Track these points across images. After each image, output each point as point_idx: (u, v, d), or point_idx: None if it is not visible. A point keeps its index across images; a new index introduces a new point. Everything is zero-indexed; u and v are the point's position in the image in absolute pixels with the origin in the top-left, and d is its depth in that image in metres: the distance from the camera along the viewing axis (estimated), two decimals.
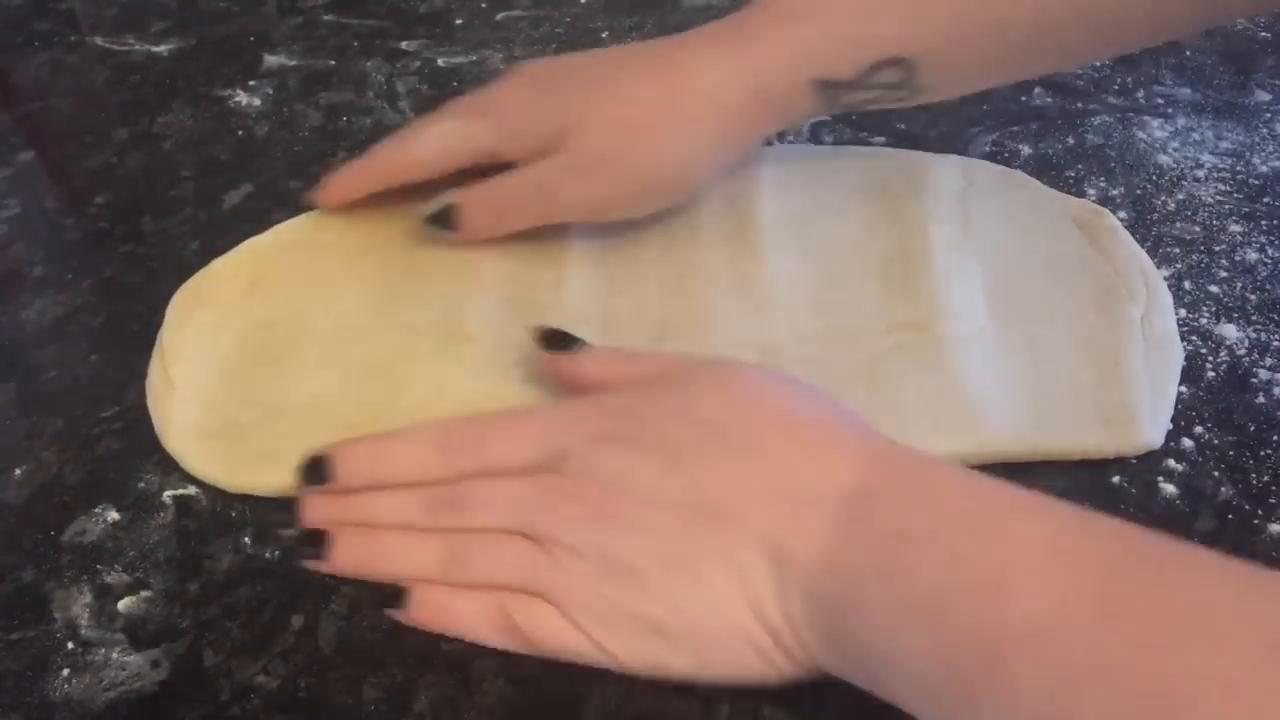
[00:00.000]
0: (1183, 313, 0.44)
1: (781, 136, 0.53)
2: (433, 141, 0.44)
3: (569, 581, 0.32)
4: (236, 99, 0.60)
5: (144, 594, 0.36)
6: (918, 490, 0.30)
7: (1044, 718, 0.24)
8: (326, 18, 0.67)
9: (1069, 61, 0.49)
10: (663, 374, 0.35)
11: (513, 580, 0.33)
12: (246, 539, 0.38)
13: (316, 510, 0.36)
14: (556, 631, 0.32)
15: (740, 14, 0.41)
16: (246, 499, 0.39)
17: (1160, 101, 0.56)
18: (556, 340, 0.38)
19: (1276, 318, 0.43)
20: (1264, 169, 0.51)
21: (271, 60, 0.63)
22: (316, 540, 0.35)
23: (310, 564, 0.35)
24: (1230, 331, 0.43)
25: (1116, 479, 0.38)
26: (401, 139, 0.46)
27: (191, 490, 0.39)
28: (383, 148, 0.46)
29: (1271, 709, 0.21)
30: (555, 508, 0.33)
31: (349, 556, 0.35)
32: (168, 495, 0.39)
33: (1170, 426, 0.39)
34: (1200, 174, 0.51)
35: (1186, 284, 0.45)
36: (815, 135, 0.54)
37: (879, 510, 0.29)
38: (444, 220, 0.44)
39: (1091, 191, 0.50)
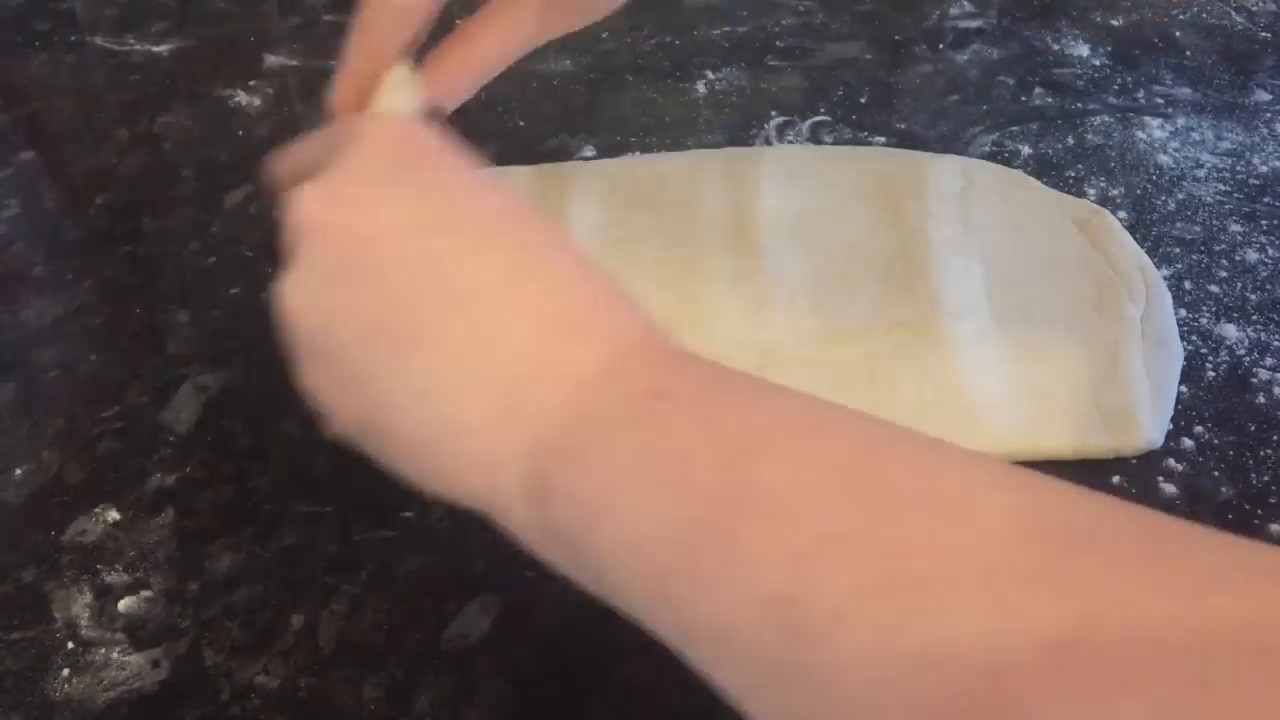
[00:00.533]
0: (1183, 313, 0.44)
1: (781, 136, 0.54)
2: None
3: (304, 298, 0.31)
4: (237, 99, 0.60)
5: (144, 594, 0.36)
6: (693, 362, 0.26)
7: (775, 591, 0.21)
8: (327, 18, 0.67)
9: None
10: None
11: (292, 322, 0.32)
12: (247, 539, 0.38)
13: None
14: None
15: None
16: (245, 501, 0.39)
17: (1160, 101, 0.56)
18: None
19: (1277, 318, 0.43)
20: (1264, 169, 0.51)
21: (272, 60, 0.63)
22: None
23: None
24: (1230, 331, 0.43)
25: (1116, 479, 0.38)
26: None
27: (191, 490, 0.39)
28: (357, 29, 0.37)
29: (1014, 591, 0.18)
30: (304, 223, 0.31)
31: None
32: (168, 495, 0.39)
33: (1170, 426, 0.39)
34: (1200, 174, 0.51)
35: (1186, 284, 0.45)
36: (815, 135, 0.54)
37: (649, 366, 0.26)
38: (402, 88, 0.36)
39: (1091, 191, 0.50)
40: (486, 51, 0.39)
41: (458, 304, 0.27)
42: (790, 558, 0.21)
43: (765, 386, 0.25)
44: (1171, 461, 0.39)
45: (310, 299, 0.30)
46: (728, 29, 0.65)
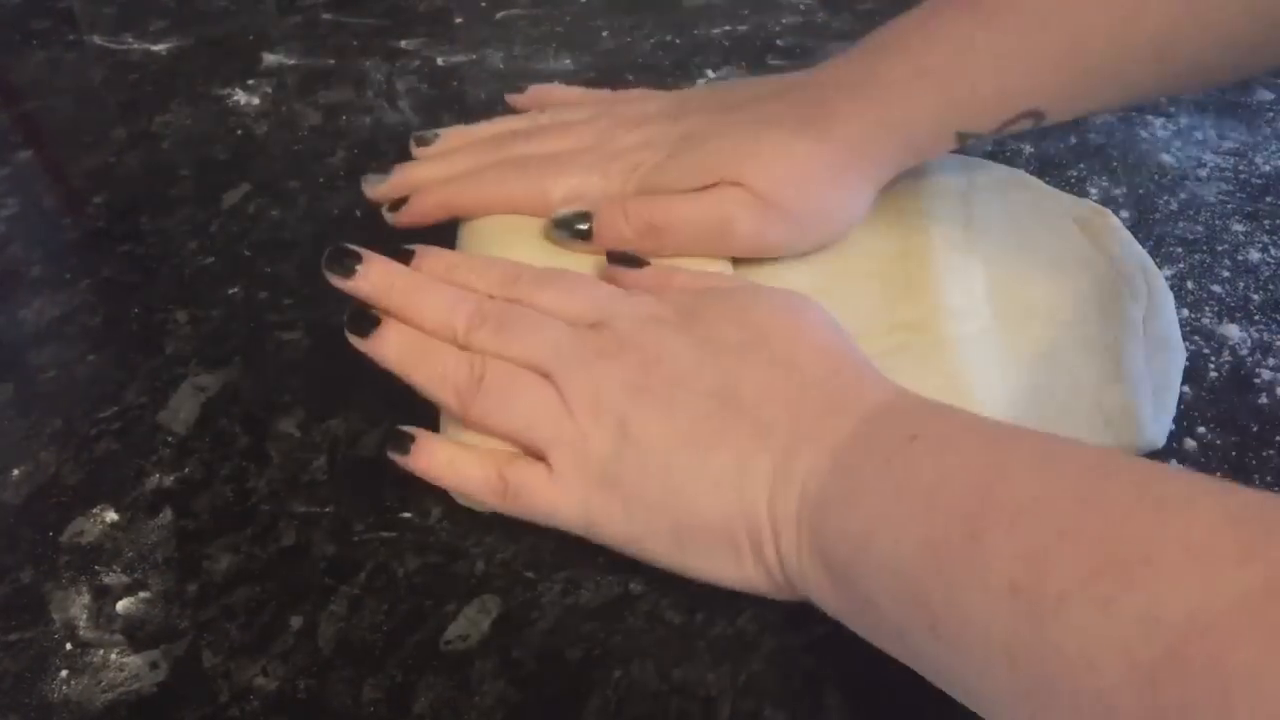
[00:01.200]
0: (1185, 313, 0.44)
1: None
2: (563, 193, 0.42)
3: (577, 439, 0.34)
4: (235, 98, 0.60)
5: (143, 595, 0.36)
6: (936, 412, 0.31)
7: (1011, 581, 0.24)
8: (325, 16, 0.67)
9: (1190, 89, 0.50)
10: (724, 284, 0.38)
11: (522, 426, 0.35)
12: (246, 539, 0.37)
13: (375, 272, 0.38)
14: (547, 498, 0.34)
15: (869, 56, 0.40)
16: (244, 501, 0.39)
17: (1162, 100, 0.55)
18: (620, 259, 0.40)
19: (1278, 318, 0.43)
20: (1266, 168, 0.51)
21: (270, 59, 0.63)
22: (367, 320, 0.38)
23: (354, 341, 0.38)
24: (1233, 331, 0.43)
25: None
26: (528, 176, 0.43)
27: (190, 490, 0.39)
28: (503, 178, 0.44)
29: (1216, 564, 0.22)
30: (591, 363, 0.34)
31: (393, 347, 0.37)
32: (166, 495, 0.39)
33: (1172, 427, 0.39)
34: (1202, 173, 0.51)
35: (1189, 284, 0.45)
36: None
37: (896, 421, 0.31)
38: (575, 227, 0.41)
39: (1094, 191, 0.50)
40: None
41: (740, 409, 0.33)
42: (1025, 554, 0.25)
43: (1004, 428, 0.30)
44: (1174, 462, 0.38)
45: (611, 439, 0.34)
46: (728, 29, 0.64)
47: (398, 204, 0.44)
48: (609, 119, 0.45)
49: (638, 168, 0.42)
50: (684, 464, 0.32)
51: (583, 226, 0.41)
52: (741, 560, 0.32)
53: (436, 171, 0.45)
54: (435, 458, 0.36)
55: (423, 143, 0.47)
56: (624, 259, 0.40)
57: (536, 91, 0.50)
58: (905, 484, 0.28)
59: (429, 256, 0.39)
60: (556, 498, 0.34)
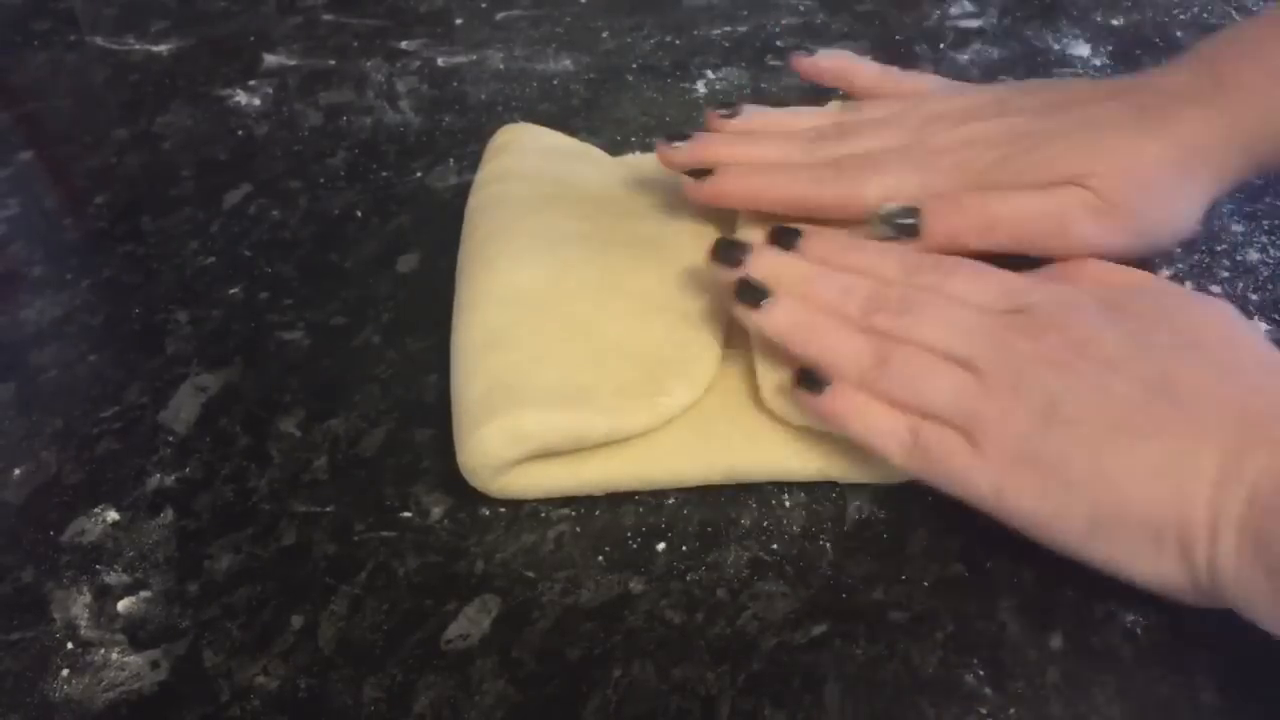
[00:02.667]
0: None
1: None
2: (878, 192, 0.40)
3: (999, 417, 0.32)
4: (236, 99, 0.60)
5: (143, 594, 0.36)
6: None
7: None
8: (326, 17, 0.67)
9: None
10: (1145, 283, 0.37)
11: (938, 405, 0.33)
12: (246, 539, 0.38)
13: (764, 263, 0.37)
14: (962, 464, 0.33)
15: (1212, 61, 0.39)
16: (245, 501, 0.39)
17: None
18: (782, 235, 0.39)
19: (1278, 318, 0.43)
20: None
21: (271, 60, 0.63)
22: (757, 291, 0.36)
23: (741, 313, 0.36)
24: None
25: None
26: (843, 178, 0.41)
27: (191, 490, 0.39)
28: (820, 179, 0.41)
29: None
30: (1010, 344, 0.33)
31: (784, 319, 0.36)
32: (166, 495, 0.39)
33: None
34: None
35: (1188, 284, 0.45)
36: None
37: None
38: (901, 222, 0.39)
39: None
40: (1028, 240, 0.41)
41: (1177, 401, 0.31)
42: None
43: None
44: None
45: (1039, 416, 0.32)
46: (728, 29, 0.65)
47: (700, 174, 0.41)
48: (919, 116, 0.42)
49: (965, 165, 0.40)
50: (1116, 448, 0.31)
51: (910, 221, 0.39)
52: (1162, 557, 0.30)
53: (739, 153, 0.42)
54: (849, 402, 0.34)
55: (724, 116, 0.44)
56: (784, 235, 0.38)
57: (755, 115, 0.45)
58: None
59: (817, 239, 0.38)
60: (971, 466, 0.32)
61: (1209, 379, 0.31)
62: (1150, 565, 0.30)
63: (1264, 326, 0.43)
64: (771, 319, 0.36)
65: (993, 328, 0.34)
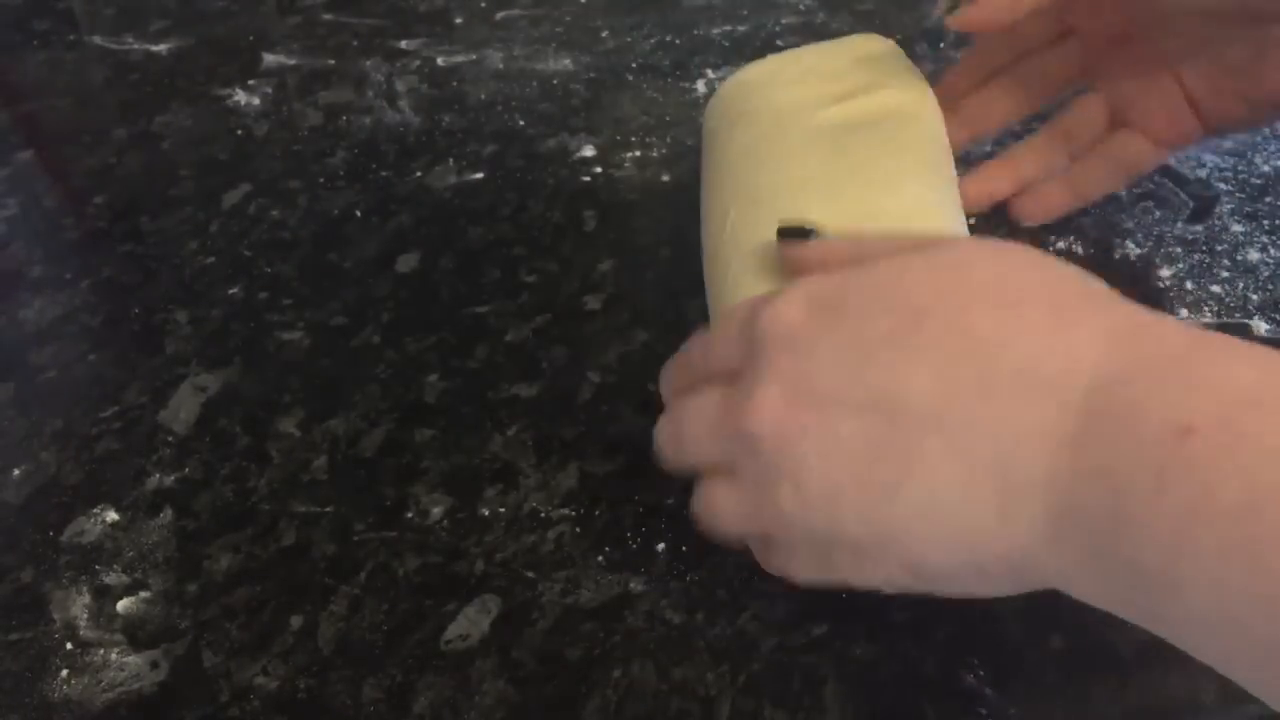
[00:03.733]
0: (1184, 313, 0.44)
1: None
2: None
3: (772, 524, 0.29)
4: (235, 98, 0.60)
5: (143, 594, 0.36)
6: (1189, 373, 0.23)
7: None
8: (326, 17, 0.67)
9: None
10: (882, 256, 0.30)
11: (734, 531, 0.31)
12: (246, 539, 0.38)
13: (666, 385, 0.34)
14: (778, 565, 0.30)
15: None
16: (244, 501, 0.39)
17: None
18: (791, 232, 0.34)
19: (1278, 318, 0.43)
20: (1266, 168, 0.51)
21: (270, 59, 0.63)
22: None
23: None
24: (1233, 331, 0.43)
25: None
26: None
27: (190, 490, 0.39)
28: None
29: None
30: (739, 437, 0.29)
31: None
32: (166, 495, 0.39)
33: None
34: (1202, 174, 0.51)
35: (1189, 284, 0.45)
36: None
37: (1144, 400, 0.23)
38: None
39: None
40: (1094, 184, 0.42)
41: (917, 419, 0.26)
42: None
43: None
44: None
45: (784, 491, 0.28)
46: (728, 29, 0.64)
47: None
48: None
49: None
50: (880, 508, 0.26)
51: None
52: (997, 581, 0.26)
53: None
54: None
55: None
56: (790, 231, 0.34)
57: None
58: (1200, 509, 0.21)
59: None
60: (786, 567, 0.30)
61: (938, 369, 0.26)
62: (992, 588, 0.27)
63: (1264, 326, 0.43)
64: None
65: (723, 416, 0.30)
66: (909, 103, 0.41)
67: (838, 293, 0.29)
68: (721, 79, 0.60)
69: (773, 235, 0.36)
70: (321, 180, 0.54)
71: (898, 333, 0.27)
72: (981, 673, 0.32)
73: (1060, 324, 0.25)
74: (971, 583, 0.27)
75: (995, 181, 0.44)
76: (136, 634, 0.35)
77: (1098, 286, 0.27)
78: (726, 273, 0.38)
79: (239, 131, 0.58)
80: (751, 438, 0.28)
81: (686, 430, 0.31)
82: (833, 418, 0.27)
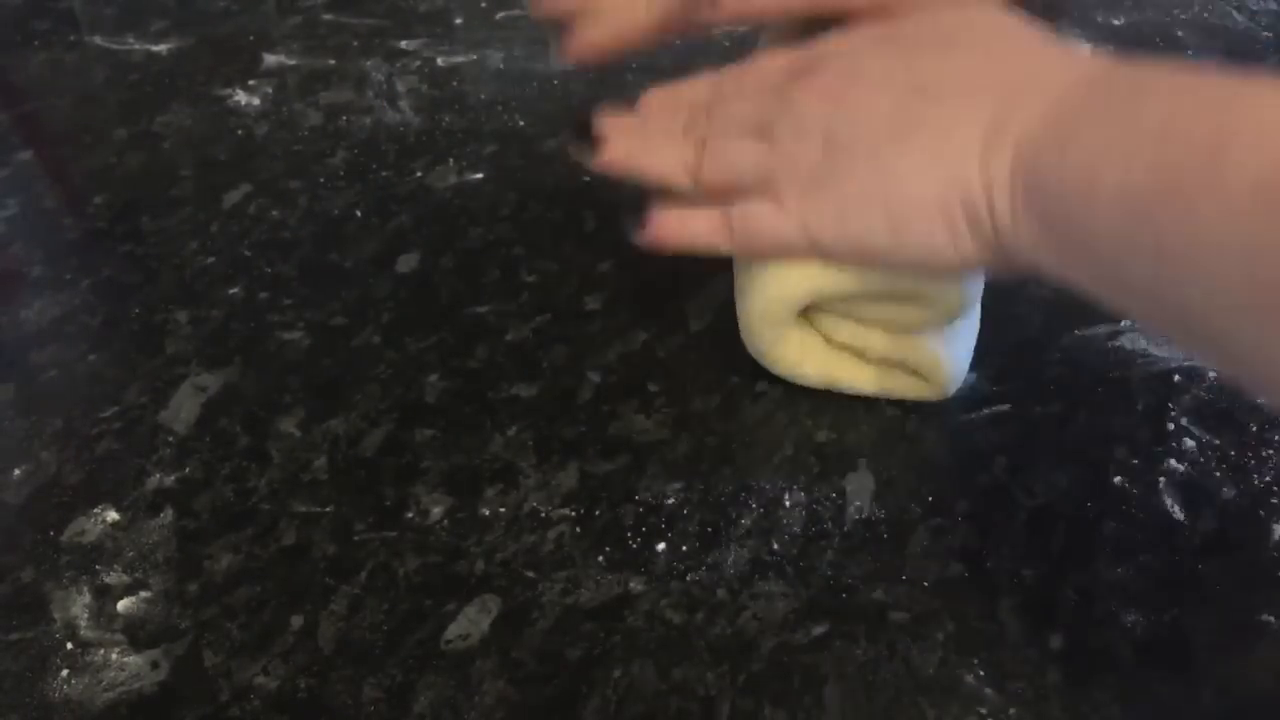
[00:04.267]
0: None
1: None
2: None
3: (789, 163, 0.35)
4: (236, 98, 0.60)
5: (143, 594, 0.36)
6: (1149, 75, 0.29)
7: (1258, 184, 0.23)
8: (326, 17, 0.67)
9: None
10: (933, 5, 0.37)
11: (745, 177, 0.36)
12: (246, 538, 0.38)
13: (614, 147, 0.39)
14: (770, 223, 0.35)
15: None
16: (245, 501, 0.39)
17: None
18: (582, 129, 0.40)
19: None
20: None
21: (271, 59, 0.63)
22: (593, 139, 0.38)
23: (584, 157, 0.38)
24: None
25: (1118, 479, 0.38)
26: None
27: (190, 490, 0.39)
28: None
29: None
30: (791, 98, 0.35)
31: (619, 150, 0.38)
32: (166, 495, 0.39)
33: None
34: None
35: None
36: None
37: (1117, 77, 0.30)
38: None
39: None
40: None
41: (941, 94, 0.33)
42: (1274, 161, 0.23)
43: (1236, 77, 0.27)
44: (1173, 462, 0.38)
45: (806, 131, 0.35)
46: (728, 28, 0.64)
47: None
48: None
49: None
50: (891, 152, 0.33)
51: None
52: (958, 237, 0.32)
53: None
54: (667, 225, 0.37)
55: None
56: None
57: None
58: (1133, 120, 0.27)
59: (648, 100, 0.41)
60: (777, 221, 0.35)
61: (969, 70, 0.33)
62: (953, 250, 0.32)
63: None
64: (611, 155, 0.38)
65: (778, 91, 0.36)
66: None
67: (890, 29, 0.36)
68: None
69: None
70: (322, 180, 0.54)
71: (941, 47, 0.34)
72: (982, 673, 0.32)
73: (1063, 48, 0.33)
74: (940, 236, 0.32)
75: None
76: (137, 634, 0.35)
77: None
78: None
79: (239, 131, 0.58)
80: (798, 100, 0.35)
81: (730, 88, 0.38)
82: (877, 93, 0.33)
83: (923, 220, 0.32)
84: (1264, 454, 0.39)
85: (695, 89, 0.40)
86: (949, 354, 0.39)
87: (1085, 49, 0.33)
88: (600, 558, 0.36)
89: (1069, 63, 0.32)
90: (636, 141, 0.39)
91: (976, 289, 0.39)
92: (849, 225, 0.34)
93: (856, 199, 0.33)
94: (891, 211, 0.33)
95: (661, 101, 0.40)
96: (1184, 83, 0.28)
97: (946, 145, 0.32)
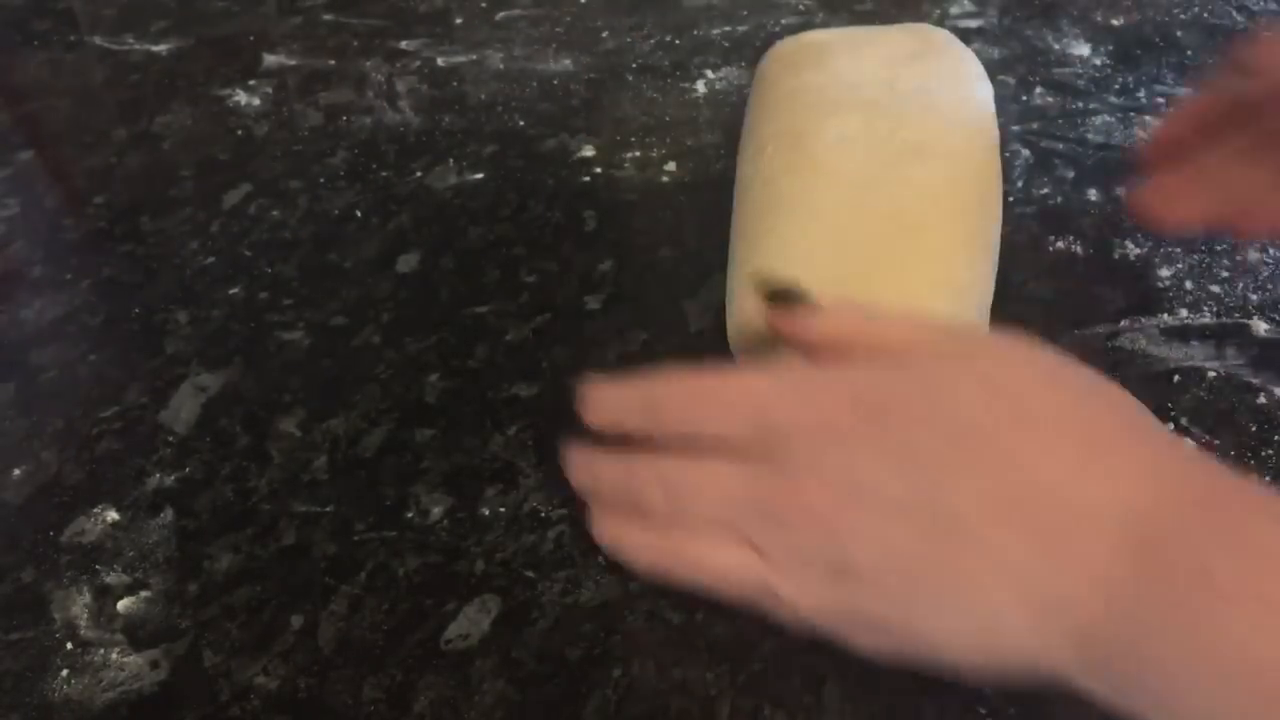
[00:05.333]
0: (1184, 313, 0.44)
1: None
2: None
3: (796, 587, 0.28)
4: (236, 98, 0.60)
5: (143, 594, 0.36)
6: (1223, 523, 0.25)
7: None
8: (326, 17, 0.67)
9: None
10: (908, 346, 0.30)
11: (739, 588, 0.29)
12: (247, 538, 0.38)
13: (578, 471, 0.32)
14: (792, 618, 0.29)
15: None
16: (245, 501, 0.39)
17: (1161, 101, 0.55)
18: (781, 295, 0.34)
19: (1278, 318, 0.43)
20: None
21: (271, 60, 0.63)
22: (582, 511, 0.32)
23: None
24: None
25: None
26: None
27: (190, 490, 0.39)
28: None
29: None
30: (774, 516, 0.29)
31: (601, 534, 0.31)
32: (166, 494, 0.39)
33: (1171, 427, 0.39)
34: None
35: (1188, 284, 0.45)
36: None
37: (1172, 543, 0.24)
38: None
39: (1092, 191, 0.50)
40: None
41: (963, 533, 0.26)
42: None
43: None
44: None
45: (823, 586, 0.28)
46: (728, 29, 0.64)
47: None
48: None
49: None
50: (921, 609, 0.27)
51: None
52: (1008, 679, 0.27)
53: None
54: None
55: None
56: (780, 294, 0.34)
57: None
58: (1217, 657, 0.23)
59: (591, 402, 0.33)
60: (808, 620, 0.29)
61: (987, 488, 0.27)
62: (1004, 682, 0.27)
63: (1264, 326, 0.43)
64: (601, 535, 0.31)
65: (753, 495, 0.29)
66: (964, 107, 0.42)
67: (884, 394, 0.29)
68: (721, 79, 0.60)
69: (802, 178, 0.39)
70: (322, 180, 0.54)
71: (946, 448, 0.27)
72: None
73: (1098, 456, 0.26)
74: (987, 676, 0.27)
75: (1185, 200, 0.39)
76: (137, 634, 0.35)
77: (1140, 417, 0.28)
78: (752, 200, 0.40)
79: (239, 132, 0.58)
80: (789, 523, 0.28)
81: (689, 483, 0.30)
82: (883, 516, 0.27)
83: (973, 668, 0.27)
84: (1264, 454, 0.39)
85: (620, 408, 0.32)
86: None
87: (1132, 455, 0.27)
88: (600, 558, 0.36)
89: (1116, 484, 0.26)
90: (602, 520, 0.32)
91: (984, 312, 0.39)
92: (890, 650, 0.28)
93: (893, 637, 0.28)
94: (936, 655, 0.27)
95: (588, 411, 0.32)
96: (1260, 570, 0.23)
97: (985, 610, 0.26)
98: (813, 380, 0.30)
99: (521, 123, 0.57)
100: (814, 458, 0.28)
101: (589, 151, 0.55)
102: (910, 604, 0.27)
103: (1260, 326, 0.43)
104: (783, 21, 0.65)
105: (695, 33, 0.64)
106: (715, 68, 0.61)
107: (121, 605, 0.36)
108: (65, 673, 0.34)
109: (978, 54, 0.48)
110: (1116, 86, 0.57)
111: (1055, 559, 0.25)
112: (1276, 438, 0.39)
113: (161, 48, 0.65)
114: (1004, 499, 0.26)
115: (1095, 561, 0.25)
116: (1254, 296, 0.44)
